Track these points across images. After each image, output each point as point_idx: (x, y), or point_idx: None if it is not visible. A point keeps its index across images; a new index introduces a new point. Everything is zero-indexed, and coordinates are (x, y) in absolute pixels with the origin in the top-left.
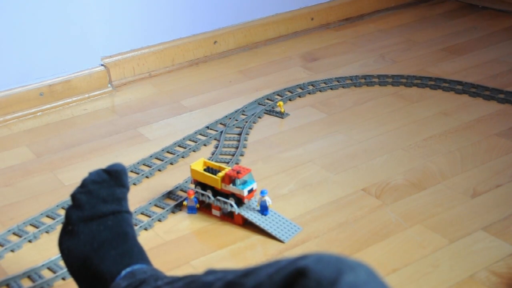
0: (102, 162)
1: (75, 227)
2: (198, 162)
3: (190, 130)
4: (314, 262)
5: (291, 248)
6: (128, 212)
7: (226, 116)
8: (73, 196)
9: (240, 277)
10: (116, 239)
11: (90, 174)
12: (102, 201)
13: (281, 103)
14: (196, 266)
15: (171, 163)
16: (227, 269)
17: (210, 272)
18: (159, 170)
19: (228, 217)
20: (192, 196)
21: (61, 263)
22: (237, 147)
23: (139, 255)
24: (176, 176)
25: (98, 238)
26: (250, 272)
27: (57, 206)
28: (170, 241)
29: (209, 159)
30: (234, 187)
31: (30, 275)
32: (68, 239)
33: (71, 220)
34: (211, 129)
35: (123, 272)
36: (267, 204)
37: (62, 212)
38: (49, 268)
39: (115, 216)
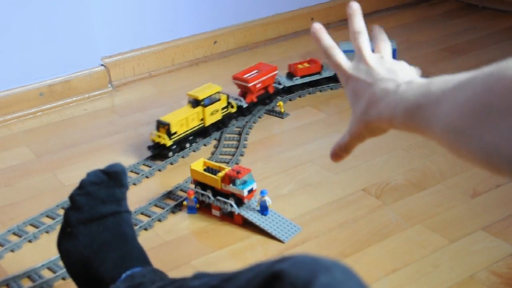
0: (102, 162)
1: (74, 229)
2: (198, 162)
3: None
4: (289, 265)
5: (291, 248)
6: (127, 211)
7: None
8: (72, 198)
9: (223, 281)
10: (116, 240)
11: (88, 175)
12: (101, 202)
13: (281, 103)
14: (196, 266)
15: (171, 163)
16: (214, 273)
17: (197, 276)
18: (159, 170)
19: (228, 217)
20: (192, 196)
21: (61, 263)
22: (237, 147)
23: (139, 257)
24: (176, 176)
25: (97, 239)
26: (232, 277)
27: (57, 206)
28: (170, 241)
29: (209, 159)
30: (234, 187)
31: (30, 275)
32: (67, 241)
33: (70, 222)
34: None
35: (123, 276)
36: (267, 204)
37: (62, 212)
38: (49, 268)
39: (114, 217)
